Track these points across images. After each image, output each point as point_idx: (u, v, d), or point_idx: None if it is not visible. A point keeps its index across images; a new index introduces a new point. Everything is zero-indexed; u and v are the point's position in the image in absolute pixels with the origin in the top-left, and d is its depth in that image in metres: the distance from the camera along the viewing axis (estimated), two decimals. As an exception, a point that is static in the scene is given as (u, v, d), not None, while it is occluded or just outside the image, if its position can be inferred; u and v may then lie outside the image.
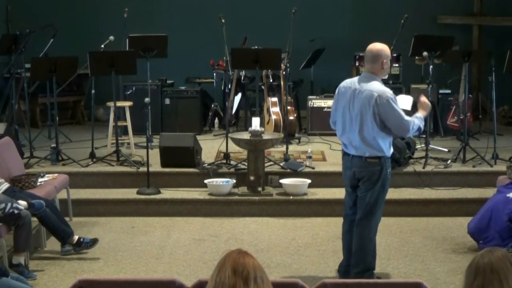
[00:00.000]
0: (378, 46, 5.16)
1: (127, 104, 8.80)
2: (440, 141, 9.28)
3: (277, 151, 8.51)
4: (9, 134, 7.60)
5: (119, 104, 8.63)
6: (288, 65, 9.25)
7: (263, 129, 7.52)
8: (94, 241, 6.13)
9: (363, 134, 5.09)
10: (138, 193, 7.42)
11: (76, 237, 6.08)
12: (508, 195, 6.00)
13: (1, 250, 5.50)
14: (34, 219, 5.90)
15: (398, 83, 9.79)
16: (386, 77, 5.34)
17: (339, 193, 7.46)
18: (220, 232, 6.76)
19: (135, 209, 7.30)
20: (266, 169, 7.55)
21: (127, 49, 8.71)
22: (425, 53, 8.31)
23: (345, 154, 5.29)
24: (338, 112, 5.23)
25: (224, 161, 7.94)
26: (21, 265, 5.52)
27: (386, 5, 11.12)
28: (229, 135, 7.74)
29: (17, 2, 11.12)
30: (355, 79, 5.24)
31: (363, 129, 5.09)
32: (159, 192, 7.44)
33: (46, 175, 6.75)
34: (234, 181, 7.47)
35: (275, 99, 9.29)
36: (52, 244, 6.28)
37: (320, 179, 7.63)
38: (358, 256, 5.27)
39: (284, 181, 7.47)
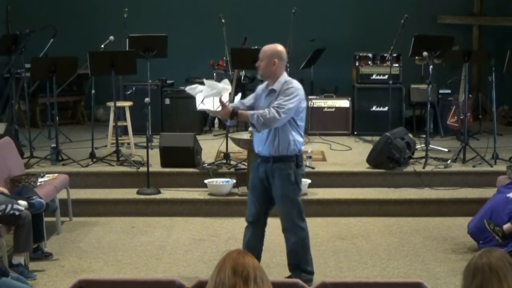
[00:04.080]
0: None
1: (127, 104, 8.80)
2: (440, 141, 9.27)
3: (277, 151, 8.49)
4: (9, 134, 7.59)
5: (119, 104, 8.62)
6: (288, 65, 9.23)
7: (263, 129, 7.51)
8: (49, 254, 6.03)
9: None
10: (138, 193, 7.42)
11: (36, 245, 5.97)
12: (508, 195, 5.99)
13: (1, 250, 5.50)
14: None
15: (398, 83, 9.76)
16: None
17: (339, 193, 7.48)
18: (220, 232, 6.76)
19: (135, 209, 7.30)
20: (266, 169, 7.54)
21: (127, 49, 8.71)
22: (425, 53, 8.31)
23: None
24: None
25: (224, 161, 7.95)
26: (21, 265, 5.52)
27: (386, 5, 11.10)
28: (229, 135, 7.73)
29: (17, 2, 11.12)
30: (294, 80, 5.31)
31: None
32: (159, 192, 7.44)
33: (46, 175, 6.74)
34: (234, 181, 7.47)
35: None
36: (52, 244, 6.29)
37: (320, 179, 7.62)
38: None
39: (284, 181, 7.45)
